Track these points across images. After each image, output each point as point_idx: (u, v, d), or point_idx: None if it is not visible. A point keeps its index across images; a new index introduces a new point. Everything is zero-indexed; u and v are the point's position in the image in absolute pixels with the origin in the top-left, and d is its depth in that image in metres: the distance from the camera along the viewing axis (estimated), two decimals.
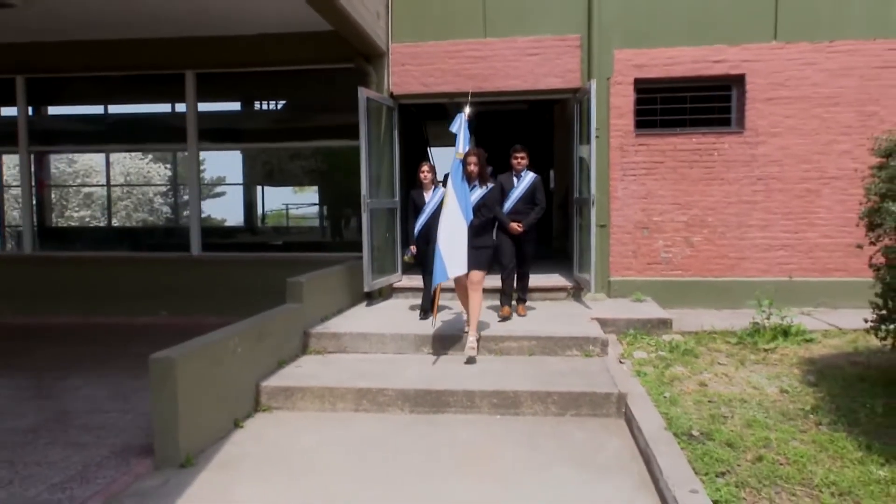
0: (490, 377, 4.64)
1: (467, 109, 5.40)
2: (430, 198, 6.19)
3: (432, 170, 6.28)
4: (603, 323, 5.96)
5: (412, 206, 6.34)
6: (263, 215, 9.60)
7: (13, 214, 9.53)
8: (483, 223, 5.37)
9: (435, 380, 4.57)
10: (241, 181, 9.03)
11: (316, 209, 9.28)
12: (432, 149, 12.28)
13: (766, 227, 7.07)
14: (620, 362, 5.16)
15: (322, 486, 3.30)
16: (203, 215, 8.73)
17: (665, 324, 6.10)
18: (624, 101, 7.15)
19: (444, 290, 6.32)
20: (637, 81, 7.16)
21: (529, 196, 6.12)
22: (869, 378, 4.56)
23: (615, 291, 7.21)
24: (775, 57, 6.95)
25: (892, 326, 3.93)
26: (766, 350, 5.47)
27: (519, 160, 6.15)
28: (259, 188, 9.23)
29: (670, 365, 5.08)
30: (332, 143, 8.43)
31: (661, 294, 7.05)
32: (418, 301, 6.64)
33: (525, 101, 8.68)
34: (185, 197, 8.81)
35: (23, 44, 8.22)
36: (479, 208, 5.32)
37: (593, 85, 6.58)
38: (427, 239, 6.07)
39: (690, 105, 7.21)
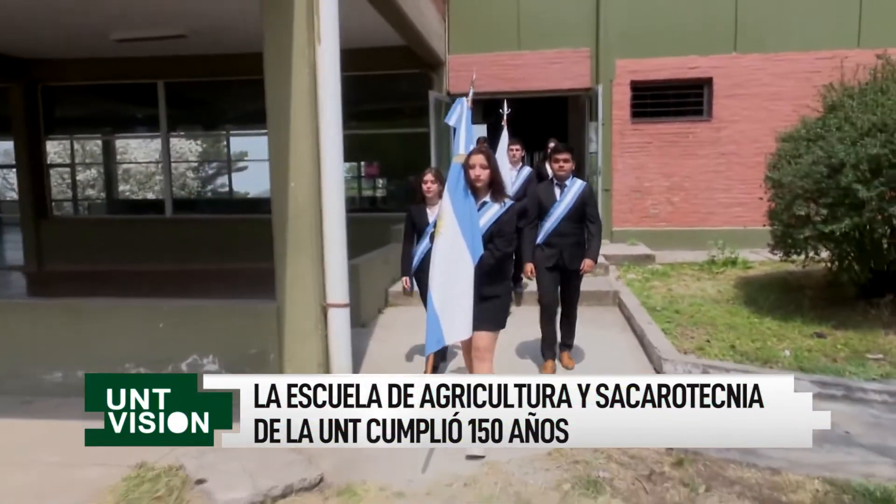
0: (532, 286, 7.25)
1: (471, 93, 4.02)
2: (435, 216, 4.52)
3: (438, 178, 4.80)
4: (607, 258, 8.48)
5: (410, 225, 5.01)
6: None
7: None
8: (498, 261, 3.52)
9: None
10: None
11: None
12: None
13: (727, 190, 9.61)
14: (617, 279, 7.78)
15: None
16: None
17: (650, 258, 8.69)
18: (623, 97, 9.64)
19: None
20: (633, 83, 9.64)
21: (578, 211, 4.58)
22: (774, 284, 7.15)
23: (616, 238, 9.79)
24: (735, 65, 9.41)
25: (780, 249, 6.47)
26: (717, 273, 8.07)
27: (561, 164, 4.60)
28: None
29: (650, 280, 7.70)
30: (400, 130, 10.94)
31: (649, 240, 9.61)
32: None
33: None
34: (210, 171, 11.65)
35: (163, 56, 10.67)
36: (491, 237, 3.49)
37: (600, 88, 9.09)
38: None
39: (672, 100, 9.70)
